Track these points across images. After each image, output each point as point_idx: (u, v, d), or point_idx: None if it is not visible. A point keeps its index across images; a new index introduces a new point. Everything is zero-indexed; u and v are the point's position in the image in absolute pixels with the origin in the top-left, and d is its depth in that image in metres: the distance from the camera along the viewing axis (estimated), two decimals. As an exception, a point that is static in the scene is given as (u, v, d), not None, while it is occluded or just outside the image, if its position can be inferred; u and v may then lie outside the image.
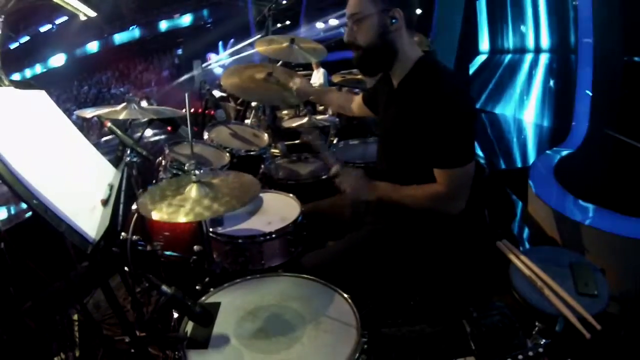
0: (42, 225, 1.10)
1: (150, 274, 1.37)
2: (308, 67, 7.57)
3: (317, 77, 7.27)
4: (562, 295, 1.60)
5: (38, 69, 18.09)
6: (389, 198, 1.78)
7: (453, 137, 1.65)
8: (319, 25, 12.84)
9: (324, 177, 2.65)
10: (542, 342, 1.56)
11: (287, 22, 13.45)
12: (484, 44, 9.65)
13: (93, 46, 18.86)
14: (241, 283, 1.64)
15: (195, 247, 1.98)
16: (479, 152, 5.30)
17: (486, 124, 7.54)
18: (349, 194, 1.81)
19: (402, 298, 1.89)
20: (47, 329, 1.83)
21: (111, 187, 1.52)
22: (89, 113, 2.20)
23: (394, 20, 1.68)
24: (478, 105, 8.55)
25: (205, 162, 2.64)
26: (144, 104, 2.32)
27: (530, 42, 8.20)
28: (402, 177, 1.82)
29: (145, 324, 1.77)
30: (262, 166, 2.87)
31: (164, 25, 18.70)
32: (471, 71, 9.31)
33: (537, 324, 1.63)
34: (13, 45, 16.41)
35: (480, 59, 9.69)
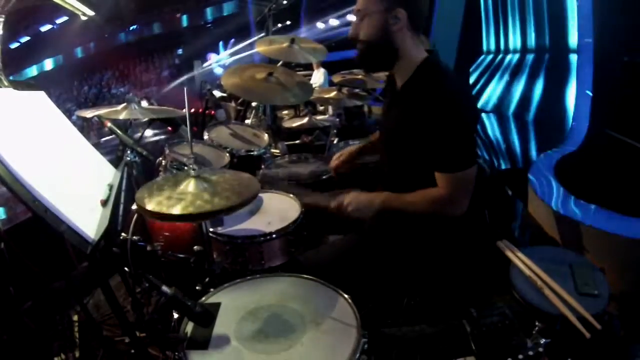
0: (42, 225, 1.10)
1: (150, 274, 1.37)
2: (308, 67, 7.57)
3: (318, 77, 7.27)
4: (562, 295, 1.60)
5: (35, 70, 18.10)
6: (390, 207, 1.78)
7: (454, 140, 1.65)
8: (320, 25, 12.85)
9: (324, 177, 2.65)
10: (542, 342, 1.56)
11: (288, 22, 13.45)
12: (486, 43, 9.64)
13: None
14: (241, 283, 1.63)
15: (195, 248, 1.98)
16: (479, 152, 5.29)
17: (486, 123, 7.53)
18: (353, 213, 1.81)
19: (402, 298, 1.88)
20: (47, 329, 1.83)
21: (111, 187, 1.52)
22: (89, 113, 2.20)
23: (396, 20, 1.69)
24: (478, 105, 8.55)
25: (205, 162, 2.64)
26: (144, 103, 2.32)
27: (529, 42, 8.20)
28: (403, 178, 1.82)
29: (145, 325, 1.77)
30: (262, 166, 2.87)
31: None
32: (474, 71, 9.31)
33: (537, 323, 1.62)
34: (14, 45, 16.44)
35: (481, 58, 9.68)
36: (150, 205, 1.37)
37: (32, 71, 18.05)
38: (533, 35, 7.97)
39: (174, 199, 1.40)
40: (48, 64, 18.80)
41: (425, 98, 1.66)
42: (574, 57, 5.99)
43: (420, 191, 1.74)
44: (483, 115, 8.00)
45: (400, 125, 1.80)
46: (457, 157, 1.67)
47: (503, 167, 4.87)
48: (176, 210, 1.35)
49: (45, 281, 1.83)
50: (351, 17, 1.92)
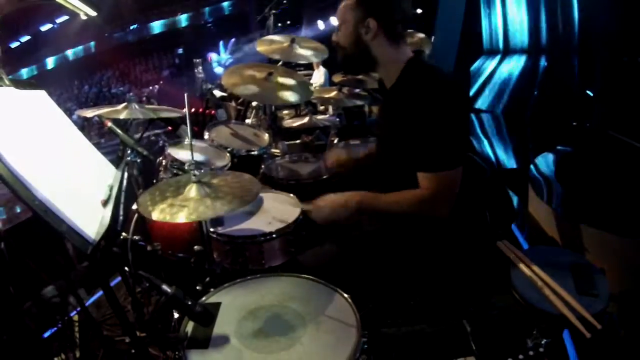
0: (42, 225, 1.10)
1: (150, 274, 1.37)
2: (309, 67, 7.57)
3: (318, 76, 7.26)
4: (562, 295, 1.60)
5: (36, 69, 18.10)
6: (369, 207, 1.80)
7: (439, 139, 1.64)
8: (320, 24, 12.84)
9: (324, 177, 2.65)
10: (542, 342, 1.56)
11: (288, 22, 13.45)
12: (485, 43, 9.63)
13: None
14: (241, 283, 1.64)
15: (196, 247, 1.98)
16: (479, 152, 5.30)
17: (486, 123, 7.54)
18: (329, 214, 1.85)
19: (402, 298, 1.89)
20: (47, 329, 1.83)
21: (111, 187, 1.52)
22: (89, 113, 2.20)
23: (368, 29, 1.73)
24: (477, 105, 8.55)
25: (206, 162, 2.64)
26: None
27: (529, 42, 8.20)
28: (399, 178, 1.82)
29: (146, 324, 1.77)
30: (263, 166, 2.87)
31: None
32: (473, 71, 9.30)
33: (537, 323, 1.63)
34: (14, 45, 16.45)
35: (481, 58, 9.68)
36: (154, 214, 1.41)
37: (33, 70, 18.05)
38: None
39: (177, 207, 1.42)
40: (48, 64, 18.81)
41: (411, 97, 1.67)
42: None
43: (402, 191, 1.74)
44: (482, 115, 8.01)
45: (390, 126, 1.82)
46: (441, 157, 1.65)
47: (503, 167, 4.88)
48: (180, 218, 1.39)
49: (45, 281, 1.82)
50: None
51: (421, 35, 3.64)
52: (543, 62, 7.73)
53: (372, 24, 1.71)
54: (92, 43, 18.97)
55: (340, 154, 2.41)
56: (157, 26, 19.02)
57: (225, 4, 18.09)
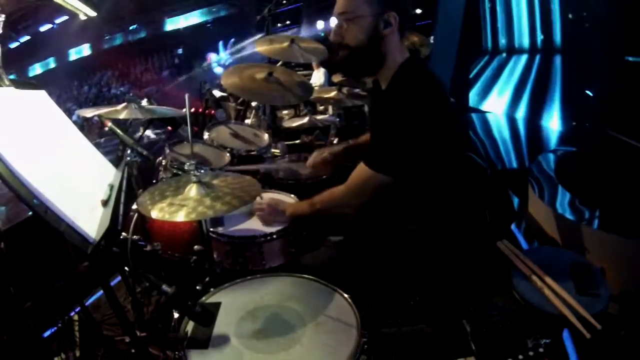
0: (43, 225, 1.10)
1: (150, 274, 1.37)
2: (308, 67, 7.57)
3: (318, 77, 7.26)
4: (562, 295, 1.60)
5: (35, 70, 18.10)
6: (305, 213, 1.90)
7: (389, 140, 1.62)
8: (320, 24, 12.83)
9: (324, 177, 2.65)
10: (542, 342, 1.56)
11: (288, 22, 13.46)
12: (487, 43, 9.60)
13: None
14: (241, 283, 1.63)
15: (196, 247, 1.97)
16: (479, 152, 5.30)
17: (487, 124, 7.54)
18: (266, 217, 2.02)
19: (402, 298, 1.89)
20: (47, 329, 1.83)
21: (111, 187, 1.52)
22: (89, 113, 2.20)
23: (387, 24, 1.64)
24: (477, 105, 8.55)
25: (205, 161, 2.64)
26: (144, 103, 2.31)
27: (531, 42, 8.19)
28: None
29: (146, 324, 1.77)
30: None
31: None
32: (473, 71, 9.29)
33: (537, 324, 1.63)
34: (13, 45, 16.44)
35: (482, 59, 9.65)
36: (153, 213, 1.42)
37: (33, 71, 18.05)
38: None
39: (176, 206, 1.42)
40: (48, 64, 18.81)
41: (392, 99, 1.65)
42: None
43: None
44: (482, 115, 8.01)
45: (376, 126, 1.80)
46: (381, 156, 1.65)
47: (502, 167, 4.88)
48: (179, 217, 1.39)
49: (45, 281, 1.82)
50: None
51: (421, 35, 3.65)
52: (545, 62, 7.71)
53: (393, 19, 1.62)
54: (92, 43, 18.96)
55: (322, 154, 2.38)
56: (156, 27, 19.03)
57: (224, 4, 18.11)
